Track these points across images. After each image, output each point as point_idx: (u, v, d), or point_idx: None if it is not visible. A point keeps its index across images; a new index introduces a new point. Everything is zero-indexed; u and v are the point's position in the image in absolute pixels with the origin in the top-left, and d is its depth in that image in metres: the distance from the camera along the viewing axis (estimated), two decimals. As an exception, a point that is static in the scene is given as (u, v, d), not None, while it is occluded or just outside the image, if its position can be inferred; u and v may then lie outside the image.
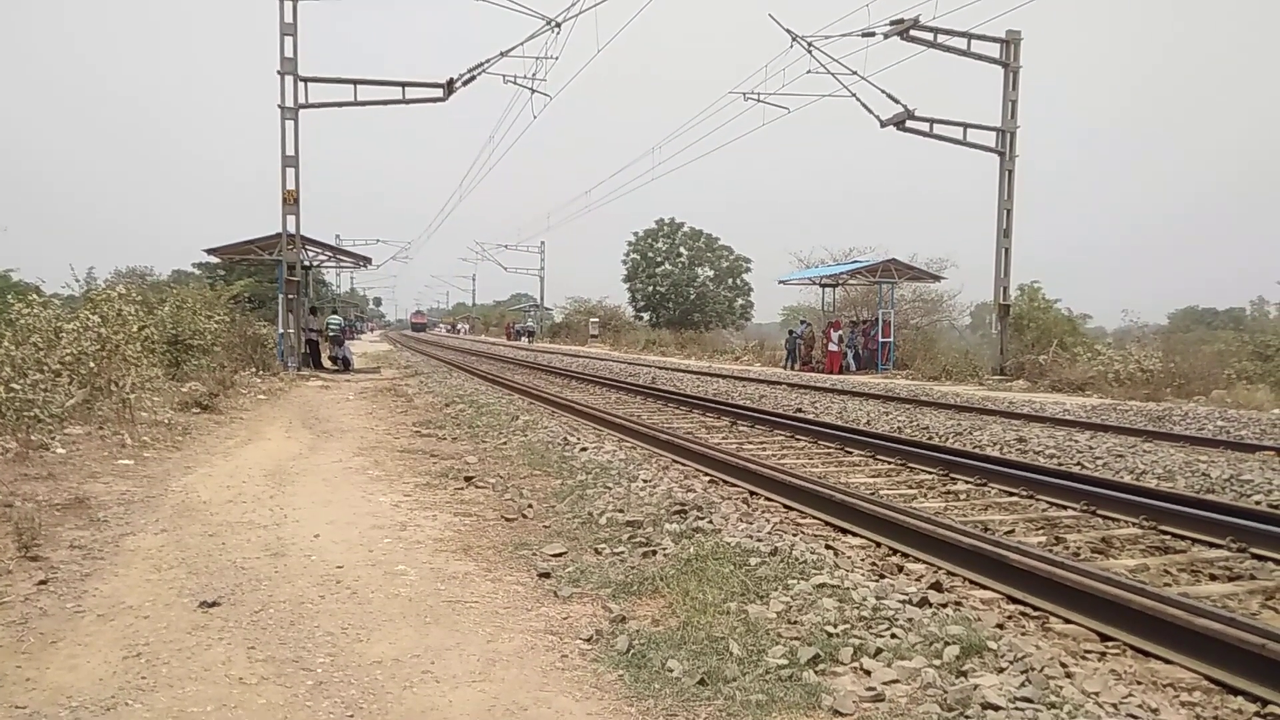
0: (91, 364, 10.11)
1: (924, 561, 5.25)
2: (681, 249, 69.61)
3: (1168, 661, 3.72)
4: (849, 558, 5.18)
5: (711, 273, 69.66)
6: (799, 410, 14.18)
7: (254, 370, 18.20)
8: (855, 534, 5.92)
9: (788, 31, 22.05)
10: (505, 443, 9.61)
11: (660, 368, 28.21)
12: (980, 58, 22.48)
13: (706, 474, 8.08)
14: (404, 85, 21.35)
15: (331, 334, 24.65)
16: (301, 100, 20.19)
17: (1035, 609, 4.43)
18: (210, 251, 24.48)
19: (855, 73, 21.96)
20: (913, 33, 21.05)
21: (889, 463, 8.94)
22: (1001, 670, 3.32)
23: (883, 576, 4.75)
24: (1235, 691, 3.43)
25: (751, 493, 7.25)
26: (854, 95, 22.33)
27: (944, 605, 4.20)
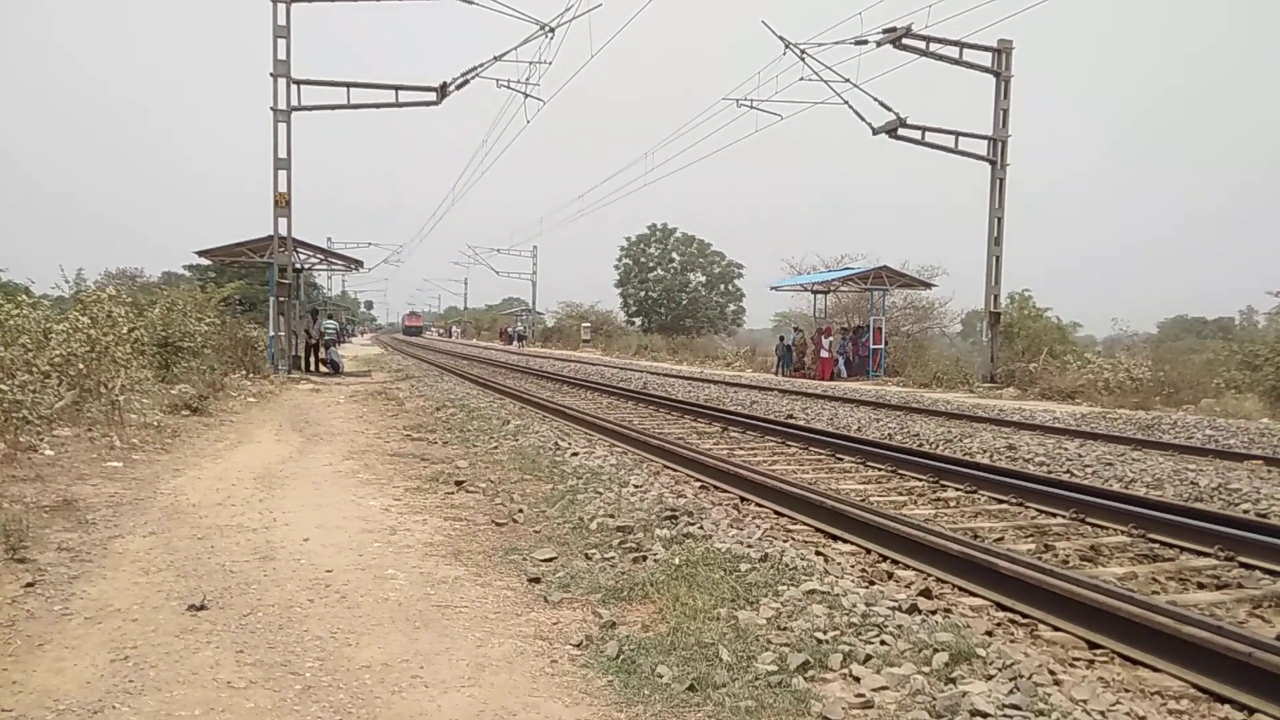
0: (81, 365, 10.06)
1: (914, 568, 5.26)
2: (674, 254, 69.74)
3: (1156, 669, 3.73)
4: (839, 564, 5.19)
5: (703, 278, 69.81)
6: (790, 416, 14.20)
7: (244, 373, 18.13)
8: (845, 540, 5.93)
9: (781, 39, 22.14)
10: (496, 447, 9.60)
11: (652, 373, 28.21)
12: (972, 66, 22.59)
13: (698, 480, 8.08)
14: (397, 89, 21.34)
15: (326, 338, 24.64)
16: (294, 103, 20.16)
17: (1024, 616, 4.44)
18: (201, 253, 24.42)
19: (848, 80, 22.05)
20: (905, 41, 21.15)
21: (879, 469, 8.96)
22: (990, 677, 3.33)
23: (872, 583, 4.76)
24: (1222, 699, 3.45)
25: (742, 499, 7.26)
26: (846, 103, 22.44)
27: (933, 612, 4.22)
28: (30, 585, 4.38)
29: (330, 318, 26.57)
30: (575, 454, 8.90)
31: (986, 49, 22.63)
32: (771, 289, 36.06)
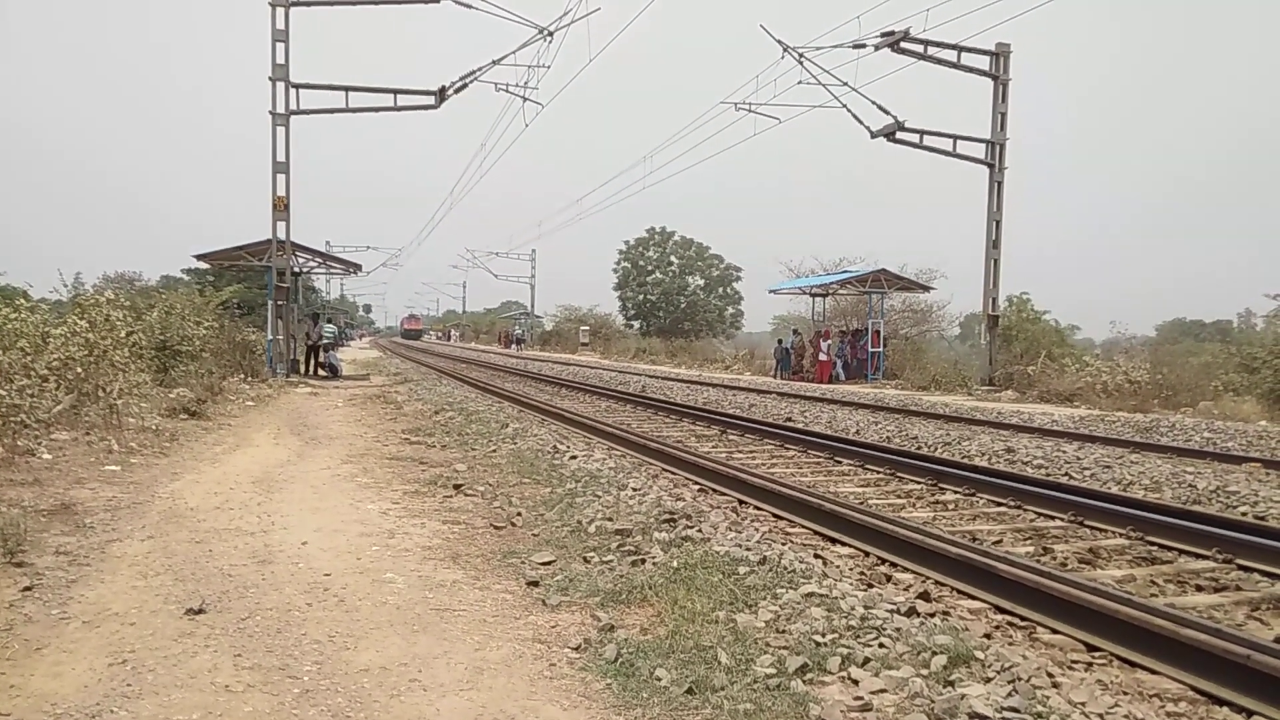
0: (79, 369, 10.06)
1: (912, 571, 5.26)
2: (672, 258, 69.78)
3: (1154, 672, 3.74)
4: (837, 567, 5.19)
5: (702, 281, 69.85)
6: (788, 419, 14.20)
7: (242, 376, 18.14)
8: (844, 543, 5.93)
9: (779, 43, 22.16)
10: (494, 450, 9.59)
11: (650, 376, 28.22)
12: (970, 70, 22.60)
13: (696, 482, 8.08)
14: (396, 93, 21.33)
15: (325, 342, 24.71)
16: (293, 106, 20.16)
17: (1023, 619, 4.44)
18: (200, 257, 24.40)
19: (846, 84, 22.06)
20: (903, 45, 21.15)
21: (878, 472, 8.96)
22: (989, 680, 3.33)
23: (871, 586, 4.76)
24: (1221, 702, 3.45)
25: (741, 501, 7.26)
26: (845, 106, 22.44)
27: (932, 615, 4.22)
28: (28, 589, 4.37)
29: (329, 321, 26.58)
30: (574, 457, 8.90)
31: (984, 52, 22.64)
32: (770, 292, 36.16)
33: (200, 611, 4.11)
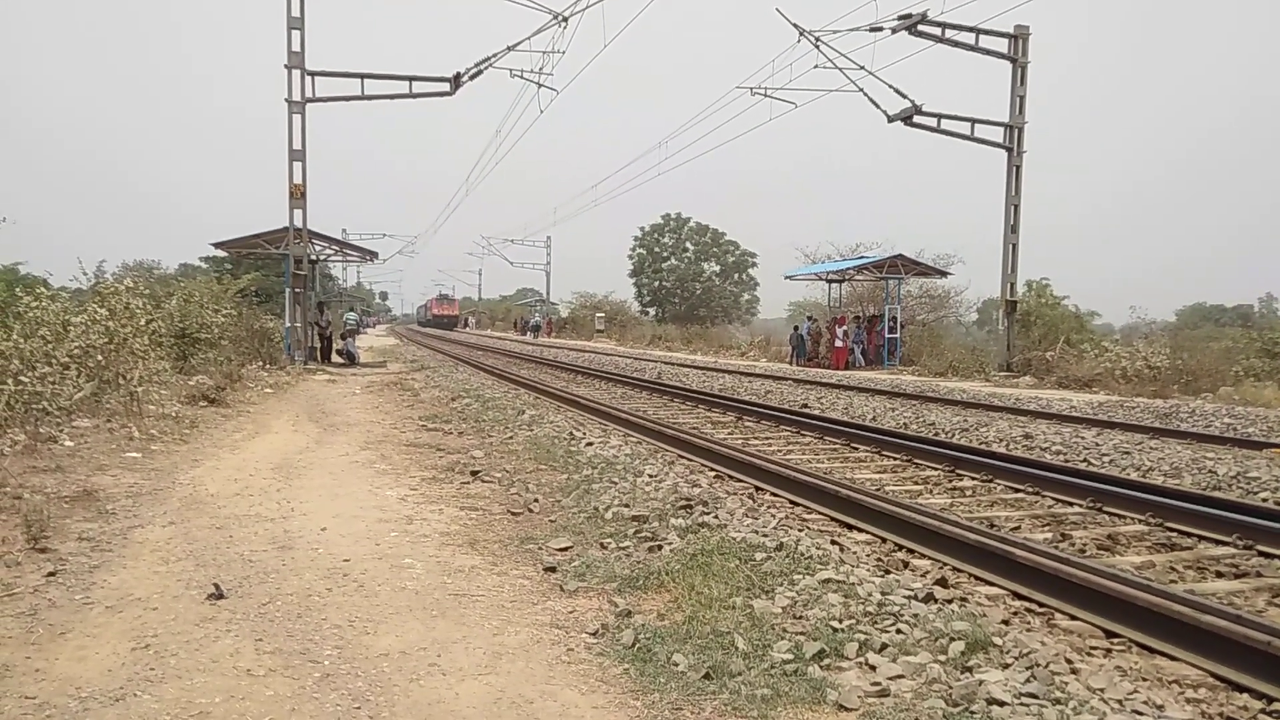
0: (99, 357, 10.16)
1: (929, 557, 5.25)
2: (688, 244, 69.62)
3: (1173, 658, 3.72)
4: (854, 553, 5.18)
5: (718, 268, 69.69)
6: (805, 406, 14.17)
7: (261, 364, 18.25)
8: (861, 529, 5.93)
9: (795, 26, 21.98)
10: (511, 437, 9.62)
11: (666, 363, 28.20)
12: (988, 53, 22.36)
13: (712, 469, 8.08)
14: (411, 79, 21.31)
15: (348, 328, 25.04)
16: (309, 94, 20.18)
17: (1041, 605, 4.43)
18: (217, 245, 24.52)
19: (863, 68, 21.88)
20: (920, 27, 20.94)
21: (895, 459, 8.94)
22: (1007, 666, 3.32)
23: (888, 572, 4.75)
24: (1241, 689, 3.43)
25: (757, 488, 7.26)
26: (861, 90, 22.27)
27: (949, 601, 4.21)
28: (52, 575, 4.43)
29: (351, 310, 26.82)
30: (590, 444, 8.91)
31: (1002, 35, 22.37)
32: (786, 278, 35.89)
33: (221, 597, 4.15)
